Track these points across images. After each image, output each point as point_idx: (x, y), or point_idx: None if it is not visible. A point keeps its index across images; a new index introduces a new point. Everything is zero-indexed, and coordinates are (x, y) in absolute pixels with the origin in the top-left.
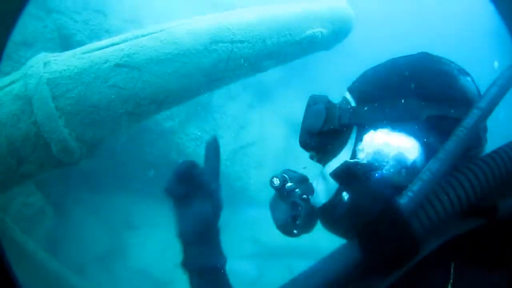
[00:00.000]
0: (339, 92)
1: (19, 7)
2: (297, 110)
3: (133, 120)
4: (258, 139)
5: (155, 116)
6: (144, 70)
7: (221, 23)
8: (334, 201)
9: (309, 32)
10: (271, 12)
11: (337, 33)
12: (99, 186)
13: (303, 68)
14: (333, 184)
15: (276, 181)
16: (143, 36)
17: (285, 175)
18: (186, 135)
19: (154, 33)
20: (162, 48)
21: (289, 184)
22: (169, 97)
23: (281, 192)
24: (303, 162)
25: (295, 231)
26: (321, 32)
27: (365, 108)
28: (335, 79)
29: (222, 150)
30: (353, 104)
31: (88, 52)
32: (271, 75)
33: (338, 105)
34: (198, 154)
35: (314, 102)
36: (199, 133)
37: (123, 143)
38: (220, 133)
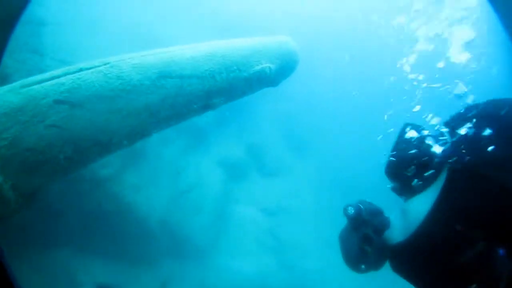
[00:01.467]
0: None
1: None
2: (233, 151)
3: (74, 165)
4: (196, 184)
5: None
6: (86, 107)
7: (170, 57)
8: (414, 241)
9: (257, 67)
10: (220, 47)
11: (284, 69)
12: (39, 240)
13: (236, 108)
14: (413, 222)
15: (351, 210)
16: (86, 69)
17: (360, 205)
18: (123, 182)
19: (98, 66)
20: (107, 83)
21: (363, 214)
22: (114, 138)
23: (354, 223)
24: (240, 205)
25: (362, 266)
26: (269, 68)
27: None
28: (268, 118)
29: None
30: (449, 139)
31: (27, 86)
32: (205, 117)
33: (432, 138)
34: (136, 202)
35: (406, 131)
36: (136, 181)
37: (57, 192)
38: (157, 181)
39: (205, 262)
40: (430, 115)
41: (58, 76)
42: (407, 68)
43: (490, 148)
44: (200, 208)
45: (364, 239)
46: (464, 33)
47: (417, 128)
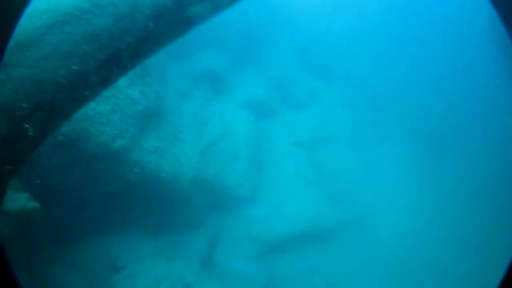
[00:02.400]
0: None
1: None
2: (256, 90)
3: None
4: (224, 132)
5: (100, 138)
6: None
7: None
8: None
9: None
10: None
11: None
12: (66, 237)
13: (251, 47)
14: None
15: None
16: None
17: None
18: (142, 149)
19: None
20: None
21: None
22: None
23: None
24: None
25: None
26: None
27: None
28: (286, 51)
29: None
30: None
31: None
32: (220, 63)
33: None
34: (162, 167)
35: None
36: (157, 143)
37: (77, 181)
38: (181, 138)
39: (250, 211)
40: None
41: None
42: None
43: None
44: (233, 156)
45: None
46: None
47: None
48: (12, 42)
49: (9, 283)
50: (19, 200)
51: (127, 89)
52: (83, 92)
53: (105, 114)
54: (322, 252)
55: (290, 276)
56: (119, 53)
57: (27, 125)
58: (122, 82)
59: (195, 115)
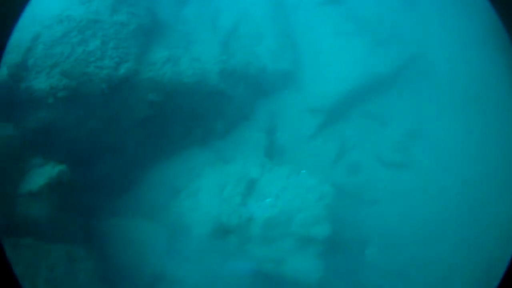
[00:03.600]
0: None
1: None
2: None
3: None
4: (241, 16)
5: (101, 73)
6: None
7: None
8: None
9: None
10: None
11: None
12: (117, 184)
13: None
14: None
15: None
16: None
17: None
18: (153, 63)
19: None
20: None
21: None
22: None
23: None
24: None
25: None
26: None
27: None
28: None
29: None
30: None
31: None
32: None
33: None
34: (180, 72)
35: None
36: (168, 52)
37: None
38: (194, 38)
39: (297, 83)
40: None
41: None
42: None
43: None
44: (259, 35)
45: None
46: None
47: None
48: None
49: (9, 283)
50: (44, 173)
51: (111, 18)
52: None
53: (97, 49)
54: (389, 102)
55: (362, 137)
56: None
57: None
58: (103, 12)
59: (201, 14)
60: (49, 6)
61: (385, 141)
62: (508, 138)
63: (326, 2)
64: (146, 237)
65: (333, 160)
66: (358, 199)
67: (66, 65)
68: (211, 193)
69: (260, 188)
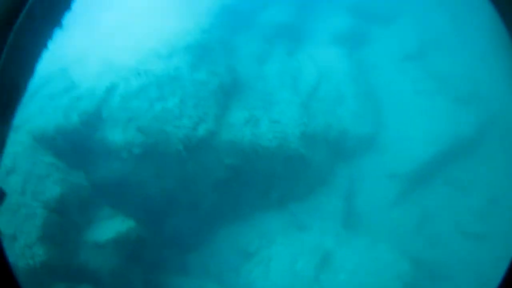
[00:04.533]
0: None
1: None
2: (337, 23)
3: None
4: (321, 77)
5: (179, 133)
6: None
7: None
8: None
9: None
10: None
11: None
12: (188, 241)
13: None
14: None
15: None
16: None
17: None
18: (232, 125)
19: None
20: None
21: None
22: None
23: None
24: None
25: None
26: None
27: None
28: None
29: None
30: None
31: None
32: (288, 13)
33: None
34: (260, 135)
35: None
36: (248, 114)
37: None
38: (275, 99)
39: (378, 147)
40: None
41: None
42: None
43: None
44: (339, 97)
45: None
46: None
47: None
48: None
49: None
50: (113, 226)
51: (191, 75)
52: None
53: (176, 107)
54: (472, 167)
55: (442, 206)
56: None
57: None
58: (183, 69)
59: (282, 73)
60: (126, 57)
61: (466, 210)
62: None
63: (405, 58)
64: None
65: (412, 231)
66: (435, 274)
67: (143, 121)
68: (284, 263)
69: (335, 261)
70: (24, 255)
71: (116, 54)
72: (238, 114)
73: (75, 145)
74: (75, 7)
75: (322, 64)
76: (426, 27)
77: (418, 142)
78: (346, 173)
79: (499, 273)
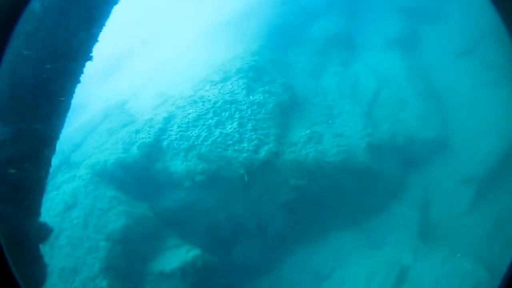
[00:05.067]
0: None
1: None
2: (391, 28)
3: None
4: (380, 83)
5: (240, 157)
6: None
7: None
8: None
9: None
10: None
11: None
12: (259, 265)
13: None
14: None
15: None
16: None
17: None
18: (294, 144)
19: None
20: None
21: None
22: None
23: None
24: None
25: None
26: None
27: None
28: None
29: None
30: None
31: None
32: (338, 23)
33: None
34: (324, 151)
35: None
36: (310, 130)
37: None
38: (336, 112)
39: (449, 150)
40: None
41: None
42: None
43: None
44: (402, 101)
45: None
46: None
47: None
48: None
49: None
50: (178, 256)
51: (247, 98)
52: None
53: (235, 132)
54: None
55: None
56: None
57: None
58: (239, 93)
59: (340, 84)
60: (181, 87)
61: None
62: None
63: (460, 54)
64: None
65: (488, 236)
66: None
67: (203, 148)
68: (359, 283)
69: (413, 276)
70: (85, 287)
71: (171, 85)
72: (299, 131)
73: (137, 177)
74: (131, 45)
75: (379, 70)
76: (475, 20)
77: (489, 139)
78: (418, 181)
79: None
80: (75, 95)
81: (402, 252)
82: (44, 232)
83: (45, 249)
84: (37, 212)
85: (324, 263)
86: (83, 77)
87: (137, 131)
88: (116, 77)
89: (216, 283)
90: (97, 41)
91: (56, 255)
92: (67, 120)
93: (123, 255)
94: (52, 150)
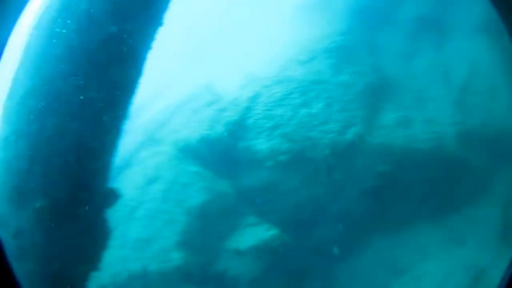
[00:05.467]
0: None
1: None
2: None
3: None
4: (473, 68)
5: (326, 138)
6: None
7: None
8: None
9: None
10: None
11: None
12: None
13: None
14: None
15: None
16: None
17: None
18: (383, 127)
19: None
20: None
21: None
22: None
23: None
24: None
25: None
26: None
27: None
28: None
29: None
30: None
31: None
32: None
33: None
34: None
35: None
36: (400, 114)
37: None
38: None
39: None
40: None
41: None
42: None
43: None
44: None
45: None
46: None
47: None
48: None
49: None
50: (255, 234)
51: (334, 78)
52: None
53: (321, 112)
54: None
55: None
56: None
57: None
58: (326, 72)
59: (431, 67)
60: (267, 67)
61: None
62: None
63: None
64: None
65: None
66: None
67: (287, 128)
68: (435, 282)
69: (490, 279)
70: (158, 258)
71: (258, 66)
72: (388, 115)
73: (220, 155)
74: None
75: (470, 57)
76: None
77: None
78: (506, 178)
79: None
80: (161, 77)
81: (482, 252)
82: (112, 197)
83: (121, 220)
84: (105, 176)
85: (402, 256)
86: (169, 60)
87: (222, 110)
88: (202, 57)
89: (290, 266)
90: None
91: (132, 226)
92: (152, 101)
93: (199, 230)
94: (122, 115)
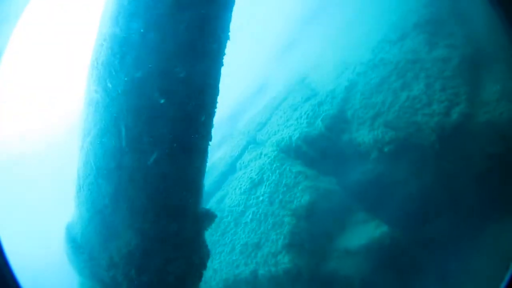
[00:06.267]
0: None
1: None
2: None
3: None
4: None
5: (430, 121)
6: None
7: None
8: None
9: None
10: None
11: None
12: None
13: None
14: None
15: None
16: None
17: None
18: (488, 103)
19: None
20: None
21: None
22: None
23: None
24: None
25: None
26: None
27: None
28: None
29: None
30: None
31: None
32: None
33: None
34: None
35: None
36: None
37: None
38: None
39: None
40: None
41: None
42: None
43: None
44: None
45: None
46: None
47: None
48: None
49: (9, 283)
50: (366, 232)
51: (429, 55)
52: None
53: (422, 94)
54: None
55: None
56: None
57: None
58: (420, 50)
59: None
60: (359, 52)
61: None
62: None
63: None
64: None
65: None
66: None
67: (390, 115)
68: None
69: None
70: (267, 262)
71: (349, 52)
72: (490, 88)
73: (322, 151)
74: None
75: None
76: None
77: None
78: None
79: None
80: (256, 78)
81: None
82: (208, 218)
83: (229, 225)
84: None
85: None
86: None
87: (319, 104)
88: (293, 53)
89: (402, 262)
90: None
91: (240, 232)
92: (250, 102)
93: (307, 231)
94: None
